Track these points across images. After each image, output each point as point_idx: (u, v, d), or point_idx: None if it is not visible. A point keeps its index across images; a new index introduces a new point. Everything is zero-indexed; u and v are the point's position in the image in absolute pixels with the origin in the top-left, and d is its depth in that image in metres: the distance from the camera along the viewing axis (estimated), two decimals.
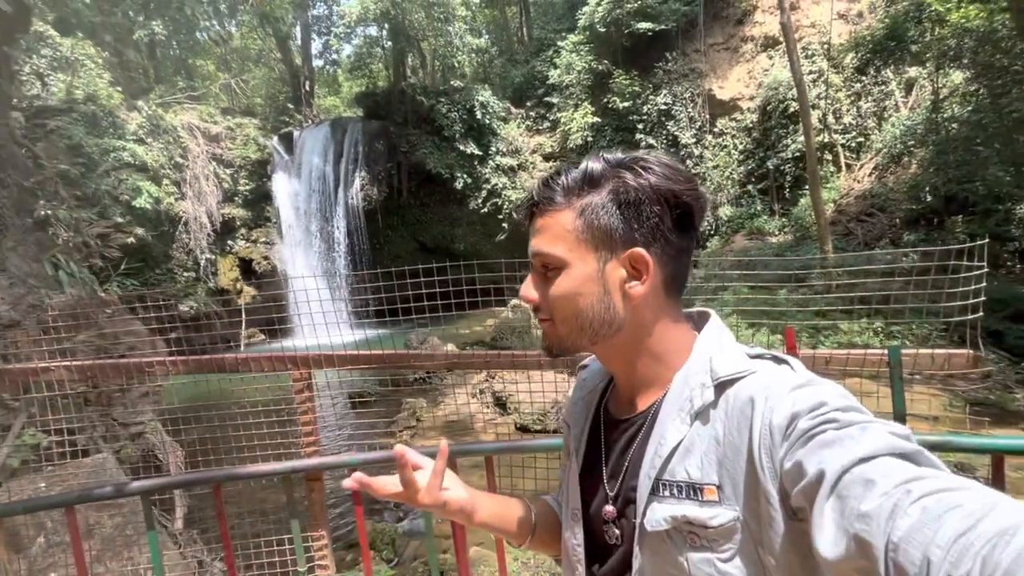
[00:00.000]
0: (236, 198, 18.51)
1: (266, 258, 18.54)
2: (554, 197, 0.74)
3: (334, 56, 27.11)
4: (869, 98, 15.88)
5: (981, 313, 1.55)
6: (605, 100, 19.24)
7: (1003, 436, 1.39)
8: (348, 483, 0.76)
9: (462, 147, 19.46)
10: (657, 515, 0.68)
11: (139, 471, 4.23)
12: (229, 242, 18.35)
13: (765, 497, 0.60)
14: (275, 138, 20.00)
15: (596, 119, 19.36)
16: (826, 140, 15.88)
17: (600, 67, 19.32)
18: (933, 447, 1.32)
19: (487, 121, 20.01)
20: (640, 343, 0.75)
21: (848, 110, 16.10)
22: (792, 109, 15.77)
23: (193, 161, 17.28)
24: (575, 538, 0.82)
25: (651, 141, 18.87)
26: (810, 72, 16.02)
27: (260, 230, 18.98)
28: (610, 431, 0.81)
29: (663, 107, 18.70)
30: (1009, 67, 9.98)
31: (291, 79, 24.34)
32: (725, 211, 17.71)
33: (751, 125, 17.62)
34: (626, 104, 18.85)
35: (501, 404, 8.19)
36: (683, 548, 0.67)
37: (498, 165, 20.12)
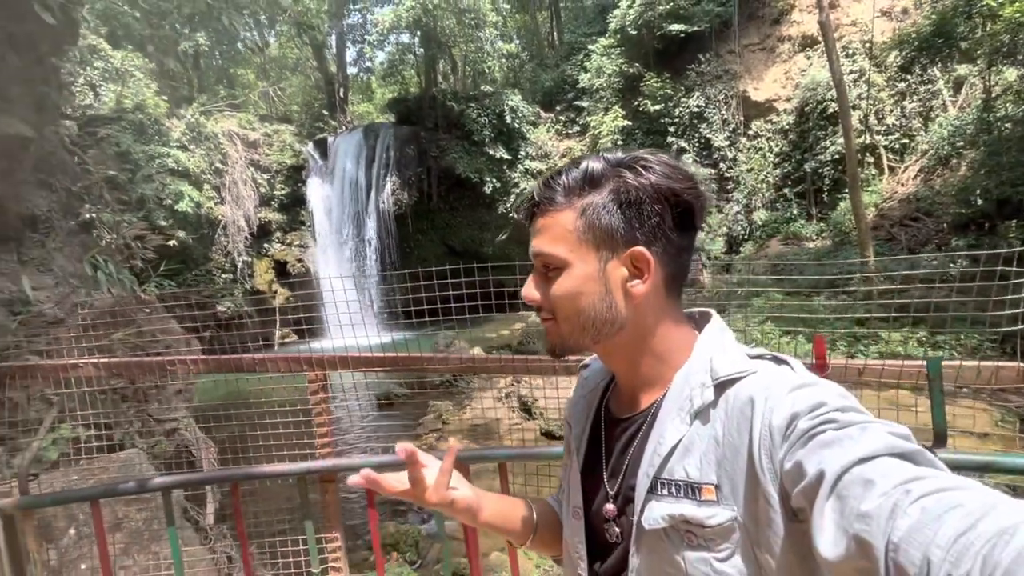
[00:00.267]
0: (272, 202, 19.04)
1: (300, 260, 19.01)
2: (555, 197, 0.74)
3: (368, 63, 27.67)
4: (914, 98, 15.24)
5: None
6: (636, 103, 19.05)
7: None
8: (355, 480, 0.76)
9: (491, 151, 19.55)
10: (655, 513, 0.68)
11: (172, 466, 4.35)
12: (265, 245, 18.87)
13: (765, 498, 0.60)
14: (310, 144, 20.51)
15: (626, 122, 19.18)
16: (867, 142, 15.31)
17: (631, 70, 19.14)
18: (979, 467, 1.22)
19: (516, 125, 20.06)
20: (642, 342, 0.76)
21: (891, 110, 15.49)
22: (831, 110, 15.27)
23: (232, 167, 17.87)
24: (576, 536, 0.83)
25: (683, 144, 18.57)
26: (850, 72, 15.49)
27: (295, 233, 19.47)
28: (611, 430, 0.82)
29: (695, 110, 18.38)
30: None
31: (326, 86, 24.96)
32: (760, 215, 17.26)
33: (787, 127, 17.14)
34: (657, 107, 18.62)
35: (527, 409, 8.15)
36: (680, 547, 0.67)
37: (527, 169, 20.13)
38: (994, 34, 10.98)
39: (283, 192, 19.23)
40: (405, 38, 22.57)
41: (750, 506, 0.62)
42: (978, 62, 12.57)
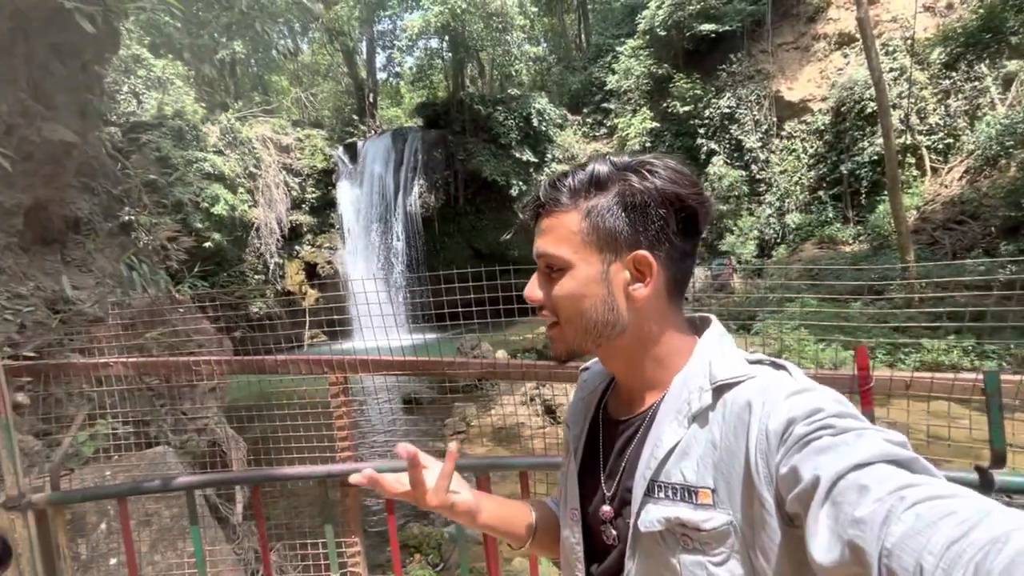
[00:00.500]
0: (303, 205, 19.45)
1: (329, 262, 19.35)
2: (560, 198, 0.74)
3: (397, 69, 28.01)
4: (959, 96, 14.61)
5: None
6: (664, 105, 18.81)
7: None
8: (357, 478, 0.76)
9: (518, 154, 19.56)
10: (651, 516, 0.69)
11: (205, 463, 4.44)
12: (296, 247, 19.28)
13: (760, 502, 0.60)
14: (340, 148, 20.89)
15: (655, 124, 18.96)
16: (908, 142, 14.74)
17: (660, 71, 18.91)
18: None
19: (543, 128, 20.03)
20: (642, 345, 0.76)
21: (934, 109, 14.89)
22: (869, 110, 14.77)
23: (265, 171, 18.32)
24: (574, 537, 0.83)
25: (713, 146, 18.24)
26: (890, 70, 14.96)
27: (324, 236, 19.85)
28: (609, 431, 0.82)
29: (726, 111, 18.03)
30: None
31: (356, 91, 25.41)
32: (793, 218, 16.79)
33: (823, 127, 16.65)
34: (687, 108, 18.34)
35: (551, 412, 8.08)
36: (676, 550, 0.67)
37: (553, 172, 20.06)
38: None
39: (314, 195, 19.63)
40: (434, 43, 22.81)
41: (746, 510, 0.62)
42: None
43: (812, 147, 16.93)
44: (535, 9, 24.11)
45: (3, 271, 3.68)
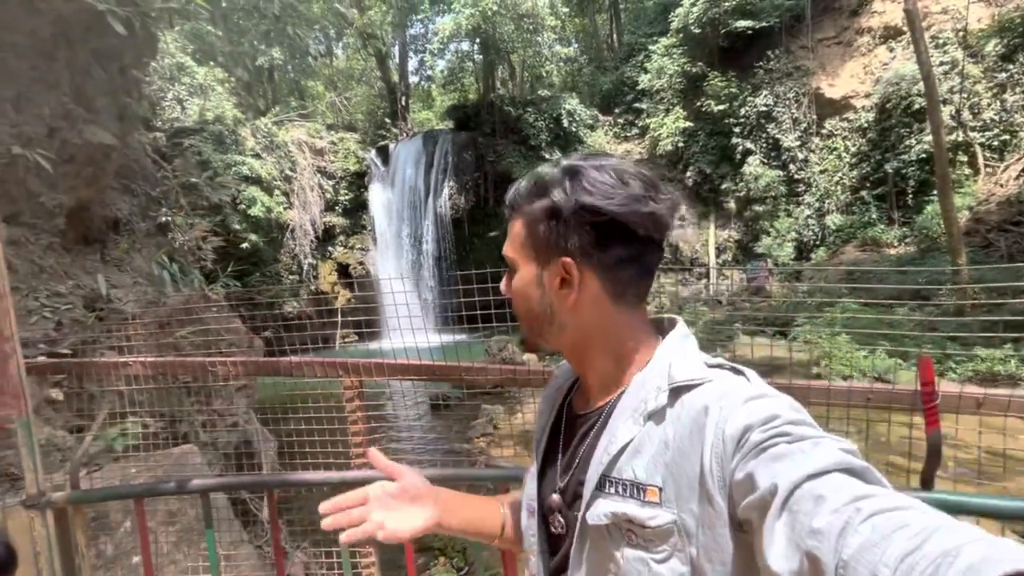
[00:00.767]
0: (336, 207, 19.81)
1: (361, 263, 19.65)
2: (514, 203, 0.79)
3: (428, 72, 28.31)
4: (1017, 89, 13.80)
5: None
6: (698, 104, 18.40)
7: None
8: (326, 515, 0.80)
9: (547, 156, 19.45)
10: (599, 510, 0.70)
11: (234, 462, 4.50)
12: (329, 248, 19.65)
13: (711, 504, 0.61)
14: (373, 151, 21.21)
15: (688, 124, 18.56)
16: (959, 139, 14.00)
17: (694, 70, 18.51)
18: None
19: (573, 129, 19.87)
20: (589, 344, 0.78)
21: (989, 104, 14.09)
22: (917, 106, 14.09)
23: (300, 173, 18.74)
24: (531, 529, 0.85)
25: (749, 145, 17.73)
26: (941, 63, 14.24)
27: (356, 237, 20.17)
28: (569, 426, 0.85)
29: (763, 109, 17.50)
30: None
31: (389, 95, 25.76)
32: (833, 219, 16.15)
33: (866, 125, 15.97)
34: (721, 107, 17.88)
35: None
36: (620, 544, 0.69)
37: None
38: None
39: (347, 197, 19.97)
40: (465, 46, 22.93)
41: (694, 512, 0.63)
42: None
43: (854, 145, 16.26)
44: (566, 10, 23.99)
45: (44, 270, 3.82)
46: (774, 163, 17.51)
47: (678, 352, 0.73)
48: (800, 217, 16.92)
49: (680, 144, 18.74)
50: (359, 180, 20.26)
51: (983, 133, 14.06)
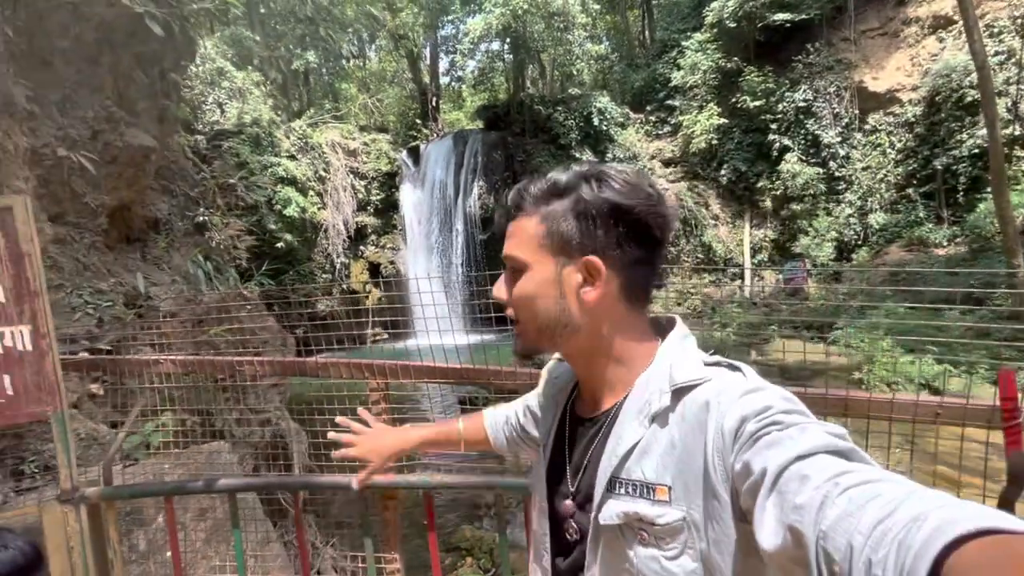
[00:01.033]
0: (368, 207, 20.10)
1: (392, 263, 19.89)
2: (523, 204, 0.80)
3: (459, 73, 28.43)
4: None
5: None
6: (733, 100, 17.92)
7: None
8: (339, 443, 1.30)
9: (578, 154, 19.28)
10: (611, 511, 0.72)
11: (269, 459, 4.56)
12: (361, 247, 19.95)
13: (716, 498, 0.63)
14: (404, 151, 21.44)
15: (723, 120, 18.10)
16: (1016, 133, 13.22)
17: (729, 65, 18.05)
18: None
19: (604, 127, 19.63)
20: (599, 346, 0.79)
21: None
22: (969, 98, 13.38)
23: (334, 174, 19.09)
24: (542, 530, 0.87)
25: (786, 142, 17.16)
26: (996, 53, 13.49)
27: (388, 237, 20.42)
28: (575, 429, 0.86)
29: (801, 104, 16.91)
30: None
31: (420, 96, 26.02)
32: (877, 218, 15.49)
33: (913, 119, 15.26)
34: (758, 103, 17.36)
35: None
36: (632, 543, 0.71)
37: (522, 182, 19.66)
38: None
39: (378, 197, 20.24)
40: (495, 45, 22.95)
41: (703, 507, 0.65)
42: None
43: (900, 141, 15.56)
44: (597, 7, 23.70)
45: (87, 267, 3.95)
46: (813, 160, 16.91)
47: (679, 353, 0.76)
48: (840, 216, 16.29)
49: (714, 141, 18.30)
50: (390, 180, 20.50)
51: None
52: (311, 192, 18.04)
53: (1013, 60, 13.47)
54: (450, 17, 25.20)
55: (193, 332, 3.96)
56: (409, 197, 20.72)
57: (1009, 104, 13.22)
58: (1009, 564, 0.35)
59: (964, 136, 13.90)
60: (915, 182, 15.14)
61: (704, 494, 0.65)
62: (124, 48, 4.29)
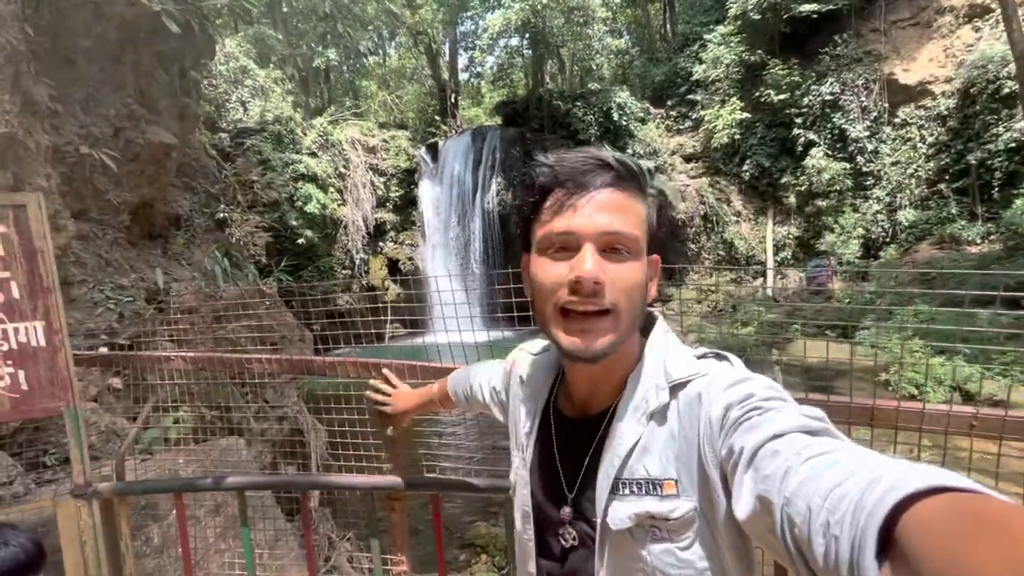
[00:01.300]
0: (387, 204, 20.23)
1: (410, 259, 20.01)
2: (637, 181, 0.74)
3: (478, 69, 28.42)
4: None
5: None
6: (756, 94, 17.54)
7: None
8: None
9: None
10: (620, 513, 0.71)
11: (286, 451, 4.61)
12: (380, 244, 20.09)
13: (711, 484, 0.65)
14: (423, 148, 21.51)
15: (745, 115, 17.73)
16: None
17: (752, 58, 17.66)
18: None
19: (624, 123, 19.41)
20: (626, 346, 0.77)
21: None
22: (1007, 90, 12.88)
23: (354, 171, 19.24)
24: (526, 534, 0.85)
25: (811, 136, 16.73)
26: None
27: (406, 233, 20.53)
28: (563, 432, 0.83)
29: (828, 97, 16.46)
30: None
31: (439, 93, 26.09)
32: (906, 215, 15.01)
33: (946, 112, 14.73)
34: (782, 97, 16.95)
35: None
36: (645, 542, 0.70)
37: (613, 151, 19.45)
38: None
39: (397, 194, 20.36)
40: (514, 41, 22.85)
41: (705, 494, 0.67)
42: None
43: (932, 135, 15.05)
44: (618, 1, 23.45)
45: (109, 263, 4.03)
46: (839, 155, 16.46)
47: (672, 349, 0.76)
48: (868, 212, 15.84)
49: (737, 136, 17.94)
50: (409, 177, 20.60)
51: None
52: (331, 189, 18.21)
53: None
54: (469, 13, 25.16)
55: (211, 327, 4.01)
56: (428, 193, 20.79)
57: None
58: (960, 520, 0.35)
59: (1000, 129, 13.37)
60: (947, 177, 14.64)
61: (704, 482, 0.67)
62: (145, 46, 4.36)
